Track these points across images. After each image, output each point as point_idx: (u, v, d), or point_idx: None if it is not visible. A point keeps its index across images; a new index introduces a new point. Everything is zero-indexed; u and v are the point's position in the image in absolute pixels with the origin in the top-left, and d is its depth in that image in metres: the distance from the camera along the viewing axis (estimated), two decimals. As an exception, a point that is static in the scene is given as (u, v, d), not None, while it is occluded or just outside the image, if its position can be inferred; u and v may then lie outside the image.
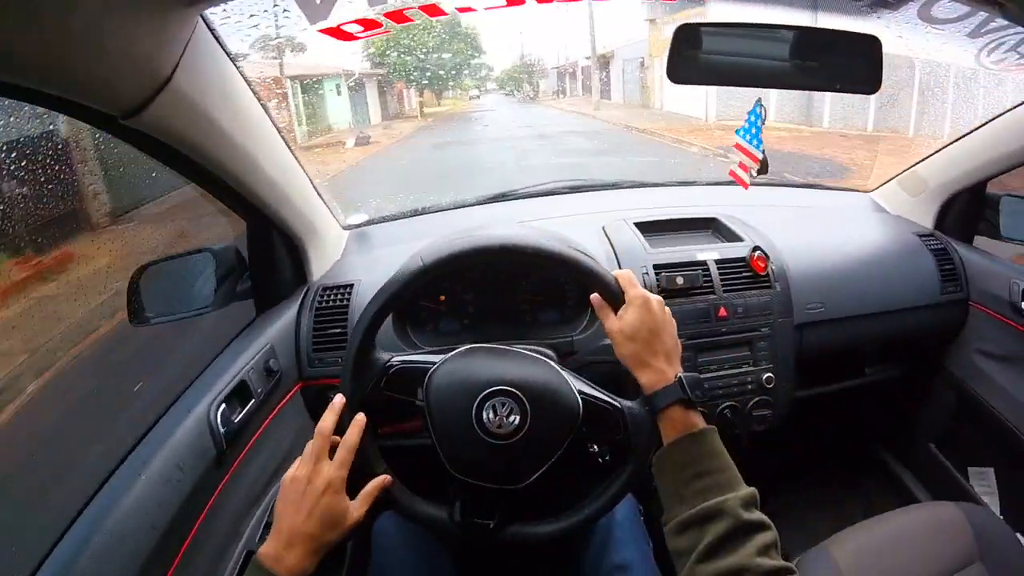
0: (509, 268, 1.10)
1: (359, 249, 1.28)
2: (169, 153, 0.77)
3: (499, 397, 0.71)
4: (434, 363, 0.75)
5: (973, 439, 1.35)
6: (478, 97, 22.49)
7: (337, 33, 0.85)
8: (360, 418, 0.73)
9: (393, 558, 0.91)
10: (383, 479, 0.74)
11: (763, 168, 0.87)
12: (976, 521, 0.96)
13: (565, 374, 0.76)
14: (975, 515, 0.98)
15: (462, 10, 0.89)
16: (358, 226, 1.37)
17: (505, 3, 0.85)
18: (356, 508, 0.70)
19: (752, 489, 0.62)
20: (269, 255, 1.08)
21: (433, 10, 0.85)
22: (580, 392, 0.74)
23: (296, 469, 0.70)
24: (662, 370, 0.69)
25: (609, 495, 0.75)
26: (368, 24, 0.84)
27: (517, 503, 0.75)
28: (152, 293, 0.99)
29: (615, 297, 0.73)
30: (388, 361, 0.76)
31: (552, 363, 0.77)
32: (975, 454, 1.35)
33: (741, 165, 0.86)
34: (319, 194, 1.15)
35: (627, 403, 0.75)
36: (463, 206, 1.50)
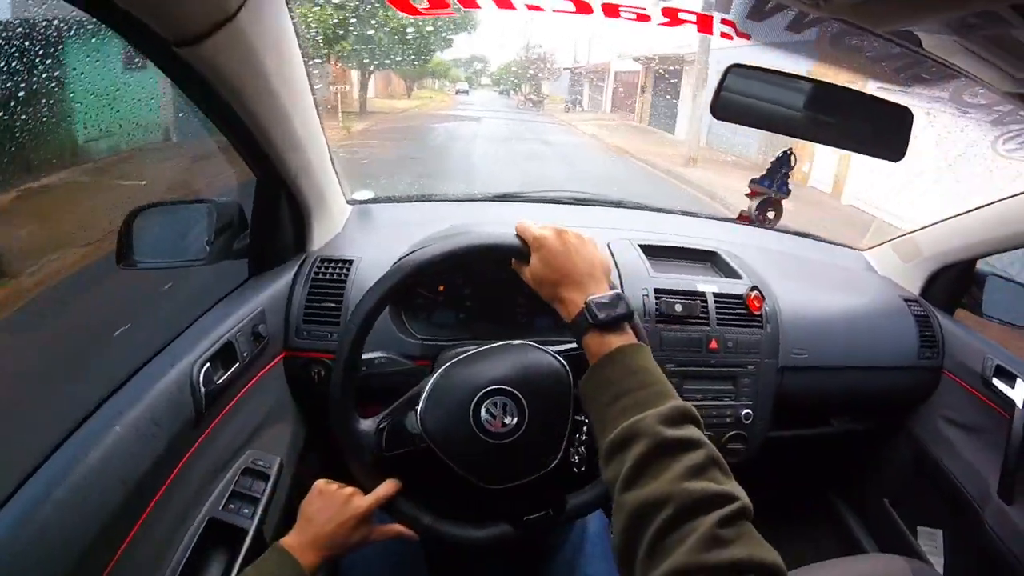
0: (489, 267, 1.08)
1: (360, 226, 1.27)
2: (208, 93, 0.74)
3: (490, 400, 0.71)
4: (417, 403, 0.74)
5: (926, 500, 1.40)
6: (466, 92, 19.82)
7: (403, 5, 0.82)
8: (392, 481, 0.76)
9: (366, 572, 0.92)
10: (399, 531, 0.77)
11: (778, 216, 0.88)
12: None
13: (540, 347, 0.76)
14: (920, 572, 1.01)
15: (531, 8, 0.87)
16: (362, 202, 1.36)
17: (574, 9, 0.84)
18: (379, 532, 0.75)
19: (681, 403, 0.55)
20: (274, 216, 1.05)
21: (503, 2, 0.83)
22: (558, 352, 0.75)
23: (333, 483, 0.76)
24: (573, 300, 0.64)
25: None
26: (436, 2, 0.81)
27: (557, 484, 0.76)
28: (145, 237, 0.96)
29: (521, 253, 0.70)
30: (378, 426, 0.76)
31: (525, 342, 0.78)
32: (926, 514, 1.39)
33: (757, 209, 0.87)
34: (334, 165, 1.13)
35: None
36: (470, 199, 1.50)
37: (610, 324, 0.61)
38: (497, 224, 0.81)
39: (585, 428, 0.78)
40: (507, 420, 0.70)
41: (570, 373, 0.74)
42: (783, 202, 0.85)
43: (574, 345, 0.77)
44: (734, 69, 0.79)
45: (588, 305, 0.62)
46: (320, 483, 0.76)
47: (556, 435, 0.73)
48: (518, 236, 0.70)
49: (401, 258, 0.76)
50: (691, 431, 0.52)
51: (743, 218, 0.86)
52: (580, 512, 0.77)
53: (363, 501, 0.73)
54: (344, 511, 0.72)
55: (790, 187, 0.86)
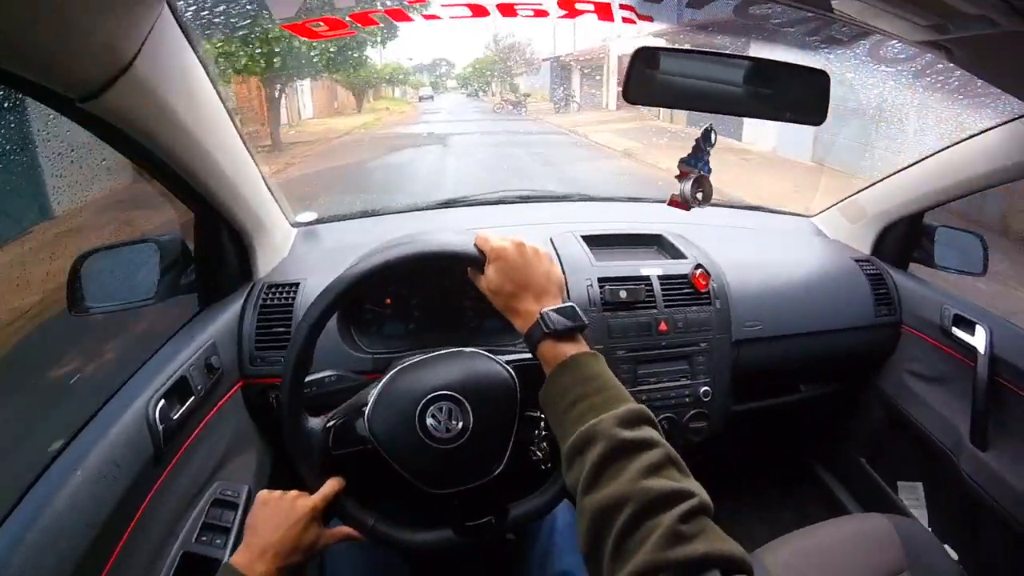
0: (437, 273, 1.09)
1: (307, 248, 1.28)
2: (123, 139, 0.75)
3: (435, 405, 0.72)
4: (367, 403, 0.74)
5: (902, 455, 1.42)
6: (431, 98, 17.43)
7: (302, 30, 0.83)
8: (335, 480, 0.75)
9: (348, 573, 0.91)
10: (349, 533, 0.75)
11: (707, 195, 0.89)
12: (905, 532, 1.01)
13: (490, 356, 0.77)
14: (904, 527, 1.03)
15: (428, 17, 0.88)
16: (307, 224, 1.36)
17: (471, 13, 0.85)
18: (329, 536, 0.73)
19: (636, 405, 0.56)
20: (216, 248, 1.06)
21: (399, 15, 0.85)
22: (507, 363, 0.76)
23: (275, 492, 0.74)
24: (528, 311, 0.66)
25: None
26: (333, 24, 0.83)
27: (500, 492, 0.76)
28: (94, 282, 0.97)
29: (478, 262, 0.71)
30: (326, 424, 0.75)
31: (473, 349, 0.79)
32: (904, 469, 1.42)
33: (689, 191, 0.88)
34: (270, 190, 1.14)
35: None
36: (414, 209, 1.50)
37: (564, 334, 0.63)
38: (444, 232, 0.81)
39: (543, 425, 0.79)
40: (452, 425, 0.71)
41: (517, 382, 0.75)
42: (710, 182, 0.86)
43: (523, 355, 0.78)
44: (640, 52, 0.80)
45: (543, 316, 0.64)
46: (262, 494, 0.74)
47: (500, 443, 0.74)
48: (476, 246, 0.72)
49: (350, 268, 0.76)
50: (647, 431, 0.54)
51: (675, 203, 0.86)
52: (524, 520, 0.77)
53: (308, 501, 0.72)
54: (290, 515, 0.70)
55: (711, 165, 0.87)
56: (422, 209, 1.51)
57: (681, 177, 0.87)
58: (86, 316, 0.98)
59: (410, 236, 0.77)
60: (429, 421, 0.71)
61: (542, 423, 0.78)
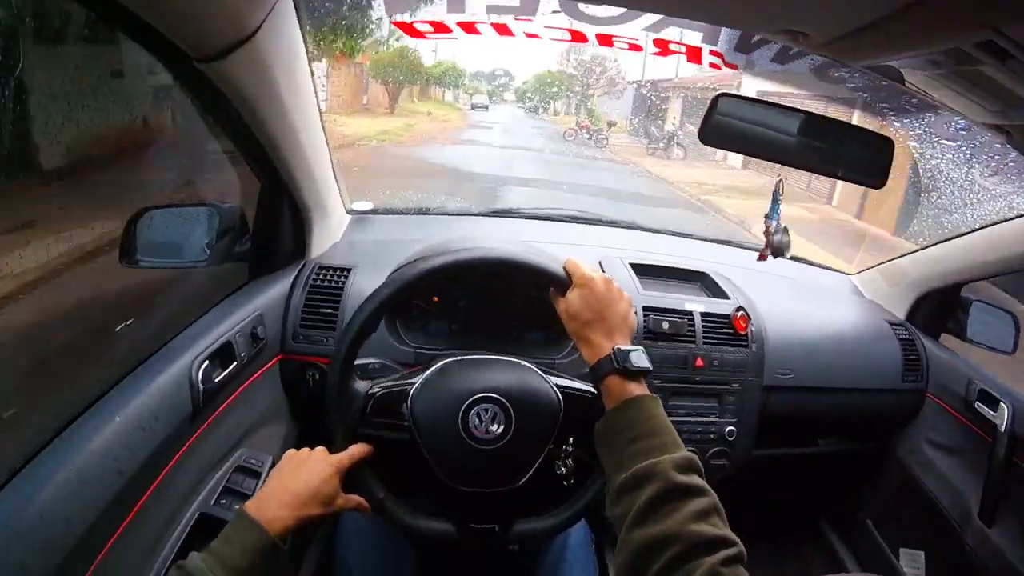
0: (488, 277, 1.10)
1: (359, 235, 1.30)
2: (223, 105, 0.78)
3: (482, 404, 0.73)
4: (414, 383, 0.77)
5: (909, 521, 1.41)
6: (485, 108, 15.36)
7: (409, 29, 0.86)
8: (365, 445, 0.76)
9: (357, 564, 0.93)
10: (361, 502, 0.76)
11: (789, 245, 0.91)
12: None
13: (542, 374, 0.79)
14: None
15: (529, 36, 0.91)
16: (362, 213, 1.39)
17: (570, 38, 0.88)
18: (344, 499, 0.73)
19: (689, 453, 0.59)
20: (275, 222, 1.09)
21: (503, 30, 0.87)
22: (559, 387, 0.78)
23: (303, 448, 0.75)
24: (600, 344, 0.69)
25: (600, 483, 0.78)
26: (439, 28, 0.86)
27: (513, 504, 0.78)
28: (148, 237, 1.00)
29: (563, 284, 0.75)
30: (369, 390, 0.78)
31: (530, 365, 0.80)
32: (909, 535, 1.41)
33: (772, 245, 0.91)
34: (336, 176, 1.16)
35: None
36: (467, 214, 1.54)
37: (633, 374, 0.66)
38: (491, 240, 0.84)
39: (572, 441, 0.80)
40: (492, 428, 0.73)
41: (563, 407, 0.77)
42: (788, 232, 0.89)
43: (573, 383, 0.80)
44: (723, 97, 0.82)
45: (616, 351, 0.67)
46: (289, 452, 0.75)
47: (531, 457, 0.76)
48: (565, 268, 0.75)
49: (406, 263, 0.78)
50: (698, 479, 0.57)
51: (763, 258, 0.90)
52: (526, 536, 0.79)
53: (334, 456, 0.74)
54: (315, 465, 0.71)
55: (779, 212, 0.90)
56: (475, 215, 1.53)
57: (767, 233, 0.89)
58: (135, 268, 1.00)
59: (500, 242, 0.80)
60: (472, 418, 0.73)
61: (571, 442, 0.80)
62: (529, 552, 0.98)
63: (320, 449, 0.75)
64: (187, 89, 0.78)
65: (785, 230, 0.88)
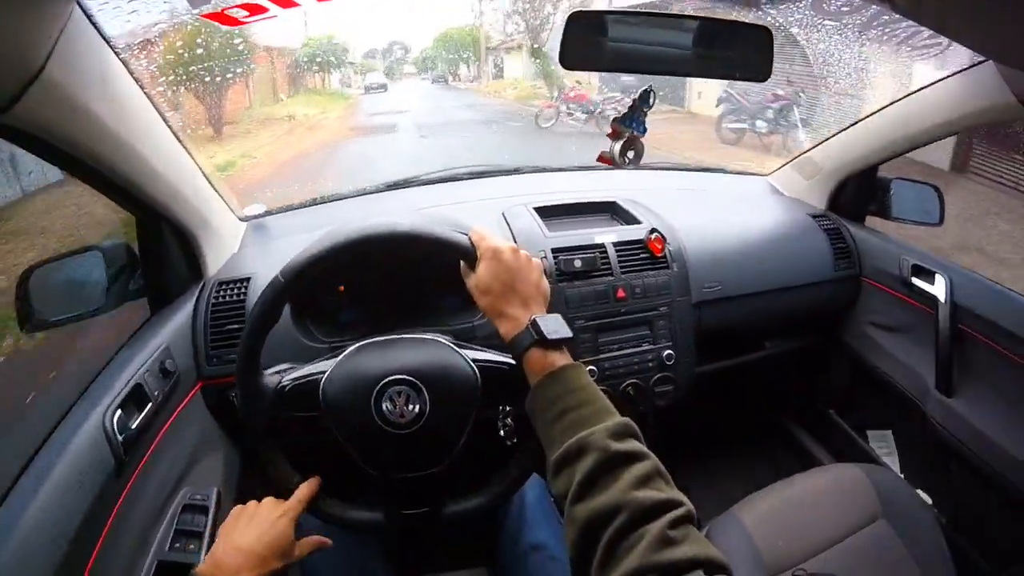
0: (384, 260, 1.07)
1: (257, 241, 1.25)
2: (47, 148, 0.72)
3: (394, 387, 0.71)
4: (324, 371, 0.74)
5: (870, 405, 1.46)
6: (383, 87, 12.20)
7: (221, 18, 0.80)
8: (314, 480, 0.75)
9: (323, 558, 0.90)
10: (320, 540, 0.75)
11: (638, 155, 0.88)
12: (878, 480, 1.03)
13: (456, 348, 0.76)
14: (876, 474, 1.05)
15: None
16: (255, 217, 1.33)
17: None
18: (301, 546, 0.72)
19: (624, 419, 0.58)
20: (161, 251, 1.03)
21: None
22: (474, 361, 0.75)
23: (248, 503, 0.73)
24: (516, 316, 0.67)
25: (531, 453, 0.76)
26: (254, 9, 0.80)
27: (442, 485, 0.76)
28: (42, 296, 0.94)
29: (469, 256, 0.72)
30: (279, 384, 0.74)
31: (441, 339, 0.78)
32: (873, 419, 1.45)
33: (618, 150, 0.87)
34: (212, 186, 1.11)
35: None
36: (363, 194, 1.48)
37: (553, 344, 0.64)
38: (387, 214, 0.80)
39: (505, 409, 0.79)
40: (407, 410, 0.71)
41: (480, 381, 0.74)
42: (642, 142, 0.85)
43: (489, 355, 0.77)
44: (572, 16, 0.78)
45: (534, 323, 0.65)
46: (235, 508, 0.73)
47: (453, 437, 0.73)
48: (471, 241, 0.71)
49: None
50: (635, 444, 0.56)
51: (604, 160, 0.86)
52: (459, 517, 0.77)
53: (283, 505, 0.72)
54: (266, 519, 0.70)
55: (647, 125, 0.86)
56: (371, 193, 1.47)
57: (612, 135, 0.86)
58: (39, 330, 0.97)
59: (395, 215, 0.75)
60: (385, 403, 0.70)
61: (504, 410, 0.79)
62: (490, 521, 0.97)
63: (268, 500, 0.73)
64: (8, 140, 0.70)
65: (631, 140, 0.85)
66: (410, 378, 0.71)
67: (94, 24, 0.70)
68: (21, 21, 0.55)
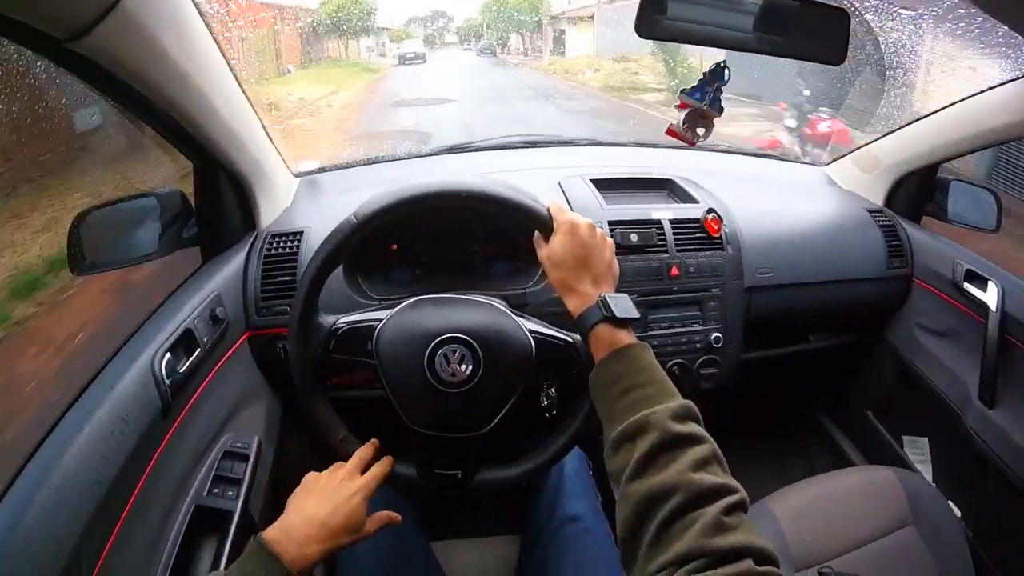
0: (451, 215, 1.07)
1: (309, 197, 1.25)
2: (115, 84, 0.71)
3: (449, 345, 0.71)
4: (380, 319, 0.74)
5: (909, 409, 1.42)
6: (421, 59, 10.59)
7: None
8: (386, 460, 0.75)
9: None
10: (391, 516, 0.75)
11: (708, 131, 0.86)
12: (909, 486, 1.02)
13: (514, 316, 0.76)
14: (908, 480, 1.04)
15: None
16: (309, 173, 1.34)
17: None
18: (370, 522, 0.71)
19: (686, 401, 0.58)
20: (216, 200, 1.04)
21: None
22: (531, 332, 0.75)
23: (322, 473, 0.73)
24: (587, 292, 0.67)
25: (571, 432, 0.76)
26: None
27: (479, 450, 0.76)
28: (94, 240, 0.95)
29: (546, 227, 0.72)
30: (334, 324, 0.74)
31: (500, 306, 0.77)
32: (910, 423, 1.42)
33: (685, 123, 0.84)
34: (270, 138, 1.11)
35: (578, 337, 0.75)
36: (418, 156, 1.47)
37: (621, 322, 0.64)
38: (452, 175, 0.79)
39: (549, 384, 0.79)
40: (459, 370, 0.70)
41: (534, 352, 0.74)
42: (715, 119, 0.82)
43: (547, 330, 0.77)
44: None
45: (604, 299, 0.65)
46: (309, 475, 0.73)
47: (499, 402, 0.73)
48: (549, 213, 0.72)
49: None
50: (695, 427, 0.55)
51: (672, 132, 0.84)
52: (490, 485, 0.77)
53: (359, 480, 0.71)
54: (341, 492, 0.69)
55: (723, 104, 0.84)
56: (426, 156, 1.47)
57: (681, 108, 0.84)
58: (88, 274, 0.97)
59: (475, 175, 0.75)
60: (438, 360, 0.70)
61: (552, 376, 0.78)
62: (526, 490, 0.98)
63: (342, 472, 0.72)
64: (72, 74, 0.70)
65: (700, 113, 0.83)
66: (467, 337, 0.71)
67: None
68: None
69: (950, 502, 1.13)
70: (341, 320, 0.75)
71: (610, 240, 0.73)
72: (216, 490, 0.85)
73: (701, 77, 0.84)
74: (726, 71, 0.84)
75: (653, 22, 0.77)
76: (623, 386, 0.60)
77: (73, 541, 0.59)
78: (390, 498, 0.92)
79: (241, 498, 0.84)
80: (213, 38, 0.85)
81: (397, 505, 0.92)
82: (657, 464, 0.52)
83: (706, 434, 0.56)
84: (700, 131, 0.83)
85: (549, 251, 0.71)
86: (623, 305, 0.65)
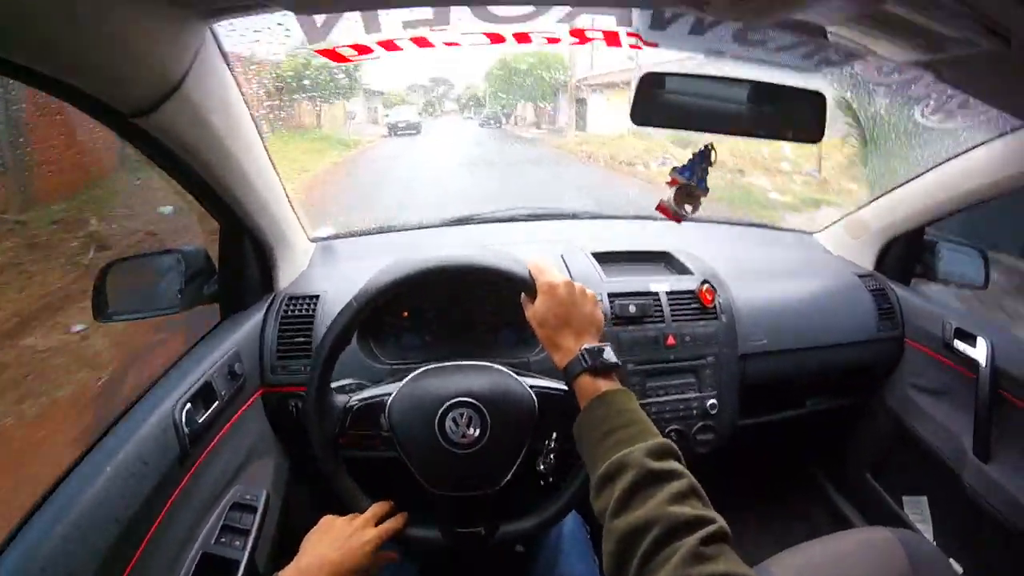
0: (452, 288, 1.12)
1: (324, 262, 1.32)
2: (166, 154, 0.80)
3: (457, 409, 0.75)
4: (390, 392, 0.79)
5: (907, 468, 1.43)
6: (414, 130, 8.59)
7: (332, 55, 0.89)
8: (400, 516, 0.79)
9: None
10: (389, 556, 0.78)
11: (695, 207, 0.92)
12: (910, 546, 1.01)
13: (514, 374, 0.81)
14: (908, 540, 1.03)
15: (448, 44, 0.93)
16: (324, 239, 1.41)
17: (488, 41, 0.90)
18: (375, 563, 0.75)
19: (664, 440, 0.61)
20: (239, 260, 1.10)
21: (421, 42, 0.89)
22: (532, 387, 0.79)
23: (339, 517, 0.77)
24: (569, 347, 0.71)
25: (580, 480, 0.80)
26: (362, 49, 0.88)
27: (496, 506, 0.79)
28: (118, 290, 1.01)
29: (529, 289, 0.77)
30: (347, 403, 0.80)
31: (501, 367, 0.82)
32: (908, 482, 1.42)
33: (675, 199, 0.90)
34: (292, 205, 1.18)
35: None
36: (427, 227, 1.55)
37: (601, 370, 0.69)
38: (453, 248, 0.86)
39: (554, 436, 0.82)
40: (469, 432, 0.75)
41: (537, 406, 0.79)
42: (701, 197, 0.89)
43: (546, 382, 0.82)
44: (645, 76, 0.84)
45: (583, 352, 0.70)
46: (326, 518, 0.77)
47: (509, 458, 0.77)
48: (531, 275, 0.77)
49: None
50: (673, 464, 0.58)
51: (662, 209, 0.90)
52: (512, 538, 0.80)
53: (373, 531, 0.75)
54: (355, 539, 0.73)
55: (707, 185, 0.90)
56: (436, 226, 1.55)
57: (671, 184, 0.90)
58: (110, 322, 1.02)
59: (460, 248, 0.82)
60: (448, 424, 0.74)
61: (553, 439, 0.82)
62: (526, 546, 0.99)
63: (358, 523, 0.76)
64: (130, 142, 0.79)
65: (688, 189, 0.89)
66: (473, 401, 0.76)
67: (221, 51, 0.79)
68: (167, 41, 0.64)
69: (951, 559, 1.12)
70: (354, 399, 0.80)
71: (590, 292, 0.77)
72: (223, 539, 0.87)
73: (690, 158, 0.90)
74: (713, 152, 0.91)
75: (648, 107, 0.85)
76: (604, 429, 0.63)
77: None
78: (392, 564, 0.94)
79: (248, 548, 0.86)
80: (251, 115, 0.94)
81: (400, 568, 0.94)
82: (636, 500, 0.55)
83: (684, 470, 0.58)
84: (688, 208, 0.89)
85: (533, 311, 0.75)
86: (603, 354, 0.69)
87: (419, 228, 1.54)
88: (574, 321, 0.73)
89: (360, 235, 1.48)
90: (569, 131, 9.41)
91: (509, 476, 0.77)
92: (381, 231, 1.52)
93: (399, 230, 1.53)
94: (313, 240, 1.37)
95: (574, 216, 1.65)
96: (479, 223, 1.57)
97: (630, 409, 0.65)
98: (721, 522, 0.52)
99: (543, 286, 0.75)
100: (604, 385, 0.68)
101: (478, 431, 0.75)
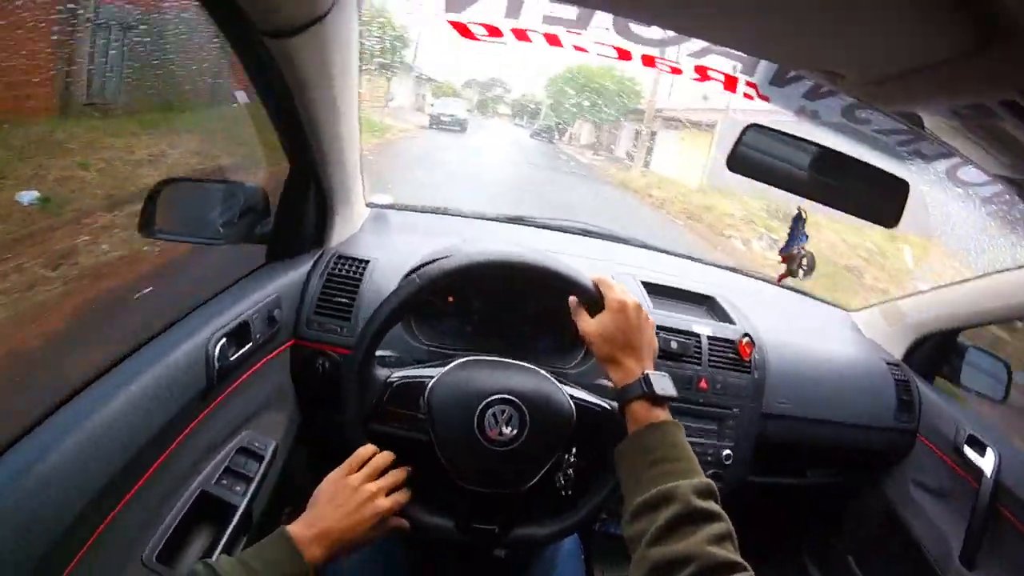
0: (506, 284, 1.12)
1: (376, 229, 1.31)
2: (276, 83, 0.79)
3: (499, 406, 0.75)
4: (433, 376, 0.79)
5: (890, 560, 1.43)
6: (459, 126, 8.22)
7: (462, 29, 0.89)
8: (406, 491, 0.77)
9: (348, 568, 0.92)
10: (399, 523, 0.76)
11: (811, 266, 0.94)
12: None
13: (557, 382, 0.81)
14: None
15: (577, 48, 0.92)
16: (380, 206, 1.41)
17: (616, 55, 0.90)
18: (375, 531, 0.74)
19: (709, 480, 0.62)
20: (300, 207, 1.09)
21: (553, 40, 0.89)
22: (572, 397, 0.79)
23: (343, 472, 0.75)
24: (630, 368, 0.72)
25: (599, 498, 0.80)
26: (493, 31, 0.88)
27: (515, 507, 0.79)
28: (169, 209, 0.99)
29: (593, 301, 0.77)
30: (388, 377, 0.79)
31: (545, 373, 0.82)
32: (889, 573, 1.42)
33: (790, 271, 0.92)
34: (360, 166, 1.18)
35: (616, 404, 0.78)
36: (482, 218, 1.55)
37: (659, 399, 0.69)
38: (507, 244, 0.85)
39: (574, 451, 0.82)
40: (506, 430, 0.74)
41: (575, 418, 0.79)
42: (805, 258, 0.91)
43: (587, 396, 0.82)
44: (752, 127, 0.85)
45: (646, 377, 0.70)
46: (336, 475, 0.75)
47: (539, 463, 0.78)
48: (596, 288, 0.77)
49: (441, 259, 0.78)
50: (715, 506, 0.60)
51: (784, 277, 0.92)
52: (524, 542, 0.80)
53: (382, 503, 0.73)
54: (362, 511, 0.71)
55: (807, 233, 0.92)
56: (490, 219, 1.55)
57: (783, 261, 0.91)
58: (152, 239, 1.00)
59: (530, 249, 0.81)
60: (488, 418, 0.74)
61: (573, 453, 0.82)
62: (519, 559, 0.99)
63: (367, 491, 0.73)
64: (244, 62, 0.78)
65: (801, 256, 0.90)
66: (516, 399, 0.75)
67: None
68: None
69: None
70: (396, 374, 0.79)
71: (652, 319, 0.78)
72: (224, 481, 0.85)
73: (789, 230, 0.92)
74: (803, 214, 0.92)
75: (747, 157, 0.85)
76: (653, 457, 0.64)
77: (92, 493, 0.60)
78: (384, 558, 0.94)
79: (248, 495, 0.85)
80: (360, 67, 0.93)
81: (390, 565, 0.93)
82: (677, 534, 0.56)
83: (724, 513, 0.59)
84: (801, 273, 0.91)
85: (599, 327, 0.75)
86: (663, 384, 0.70)
87: (473, 217, 1.54)
88: (638, 344, 0.74)
89: (416, 211, 1.48)
90: (634, 166, 8.19)
91: (535, 480, 0.77)
92: (436, 212, 1.52)
93: (454, 215, 1.53)
94: (368, 205, 1.37)
95: (624, 241, 1.65)
96: (531, 226, 1.57)
97: (681, 444, 0.66)
98: (751, 572, 0.53)
99: (612, 302, 0.75)
100: (659, 414, 0.68)
101: (515, 430, 0.75)
